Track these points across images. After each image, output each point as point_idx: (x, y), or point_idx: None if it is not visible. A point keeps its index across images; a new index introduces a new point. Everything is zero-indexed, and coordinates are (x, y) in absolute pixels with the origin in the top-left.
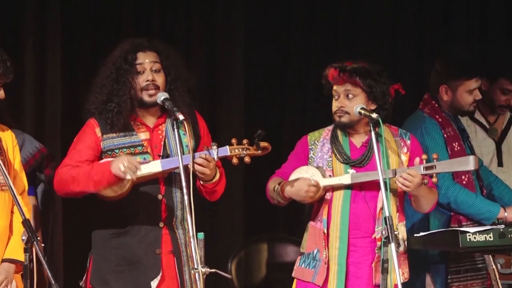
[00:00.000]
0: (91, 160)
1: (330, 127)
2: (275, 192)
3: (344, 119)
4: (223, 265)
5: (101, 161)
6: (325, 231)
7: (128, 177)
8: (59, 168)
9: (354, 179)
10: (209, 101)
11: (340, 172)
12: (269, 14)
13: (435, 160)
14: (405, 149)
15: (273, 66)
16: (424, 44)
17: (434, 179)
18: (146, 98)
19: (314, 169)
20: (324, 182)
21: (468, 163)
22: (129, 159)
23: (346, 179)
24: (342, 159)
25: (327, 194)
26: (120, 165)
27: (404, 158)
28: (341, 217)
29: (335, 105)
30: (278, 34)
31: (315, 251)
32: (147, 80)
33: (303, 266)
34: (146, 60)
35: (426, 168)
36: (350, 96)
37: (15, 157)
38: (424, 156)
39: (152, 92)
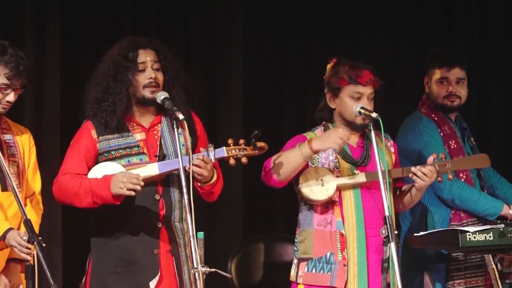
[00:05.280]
0: (90, 165)
1: (320, 128)
2: (296, 150)
3: (368, 121)
4: (223, 265)
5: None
6: (343, 232)
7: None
8: (58, 176)
9: (369, 177)
10: (209, 103)
11: (348, 172)
12: (269, 14)
13: (443, 159)
14: (392, 149)
15: (272, 67)
16: (424, 44)
17: (439, 178)
18: (148, 94)
19: (325, 170)
20: (339, 181)
21: (482, 161)
22: (126, 176)
23: (361, 177)
24: (347, 159)
25: (335, 195)
26: (120, 184)
27: (393, 157)
28: (356, 217)
29: (358, 106)
30: (278, 34)
31: (327, 255)
32: (150, 78)
33: (314, 271)
34: (147, 58)
35: (439, 166)
36: (371, 98)
37: (30, 159)
38: (434, 155)
39: (154, 89)
